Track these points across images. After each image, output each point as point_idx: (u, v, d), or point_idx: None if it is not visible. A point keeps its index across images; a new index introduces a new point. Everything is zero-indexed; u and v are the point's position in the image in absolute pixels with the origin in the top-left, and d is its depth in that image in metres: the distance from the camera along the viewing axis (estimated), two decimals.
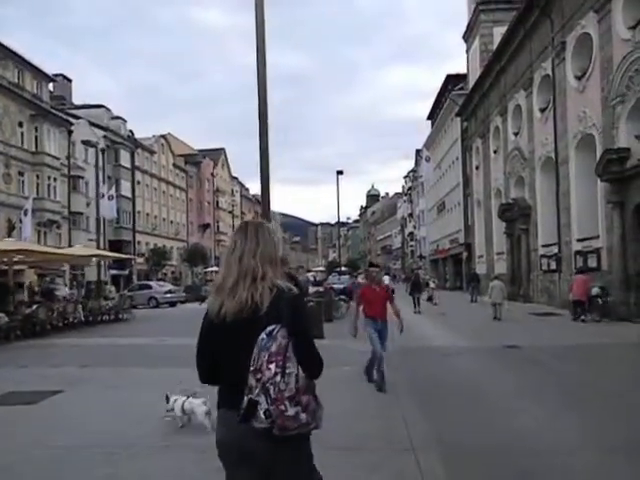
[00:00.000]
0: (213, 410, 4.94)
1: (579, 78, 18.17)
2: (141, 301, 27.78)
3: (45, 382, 7.64)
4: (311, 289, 16.50)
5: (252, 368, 1.77)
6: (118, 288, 34.78)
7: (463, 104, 34.80)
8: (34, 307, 14.72)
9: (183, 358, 8.98)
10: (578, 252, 18.17)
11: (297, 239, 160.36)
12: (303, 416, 1.78)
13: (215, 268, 49.32)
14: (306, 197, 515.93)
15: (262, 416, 1.74)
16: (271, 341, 1.77)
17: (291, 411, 1.75)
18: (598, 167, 15.81)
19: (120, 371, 8.51)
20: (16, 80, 31.58)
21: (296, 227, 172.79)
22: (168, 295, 29.66)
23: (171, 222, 53.29)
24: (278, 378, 1.74)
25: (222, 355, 1.92)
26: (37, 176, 31.46)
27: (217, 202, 65.01)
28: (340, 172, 35.20)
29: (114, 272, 39.09)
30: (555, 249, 20.22)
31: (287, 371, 1.76)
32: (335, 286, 23.13)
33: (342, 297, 18.76)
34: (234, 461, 1.91)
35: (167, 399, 5.15)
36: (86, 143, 28.78)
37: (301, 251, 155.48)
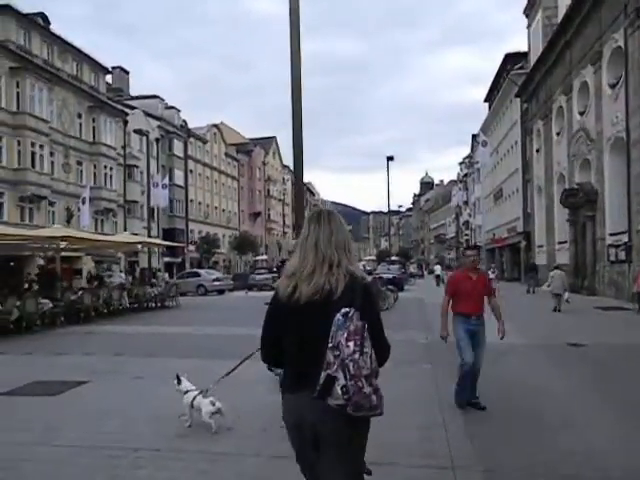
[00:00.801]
0: (231, 413, 4.54)
1: None
2: (190, 288, 28.13)
3: (74, 371, 7.49)
4: None
5: (330, 345, 1.79)
6: (172, 275, 35.59)
7: (523, 84, 32.75)
8: (79, 293, 14.92)
9: (217, 349, 8.83)
10: None
11: (349, 228, 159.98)
12: (374, 398, 1.79)
13: (265, 257, 49.61)
14: (359, 185, 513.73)
15: (339, 392, 1.76)
16: (348, 321, 1.80)
17: (367, 389, 1.77)
18: None
19: (151, 362, 8.26)
20: (75, 72, 32.68)
21: (348, 216, 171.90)
22: (216, 283, 29.85)
23: (223, 210, 54.01)
24: (357, 355, 1.76)
25: (290, 336, 1.95)
26: (94, 165, 32.52)
27: (268, 190, 65.38)
28: (390, 158, 34.25)
29: (167, 259, 40.06)
30: (625, 238, 18.56)
31: (365, 350, 1.78)
32: (384, 276, 22.47)
33: (390, 287, 18.03)
34: (304, 442, 1.94)
35: (178, 380, 4.83)
36: (138, 132, 29.29)
37: (353, 240, 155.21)
